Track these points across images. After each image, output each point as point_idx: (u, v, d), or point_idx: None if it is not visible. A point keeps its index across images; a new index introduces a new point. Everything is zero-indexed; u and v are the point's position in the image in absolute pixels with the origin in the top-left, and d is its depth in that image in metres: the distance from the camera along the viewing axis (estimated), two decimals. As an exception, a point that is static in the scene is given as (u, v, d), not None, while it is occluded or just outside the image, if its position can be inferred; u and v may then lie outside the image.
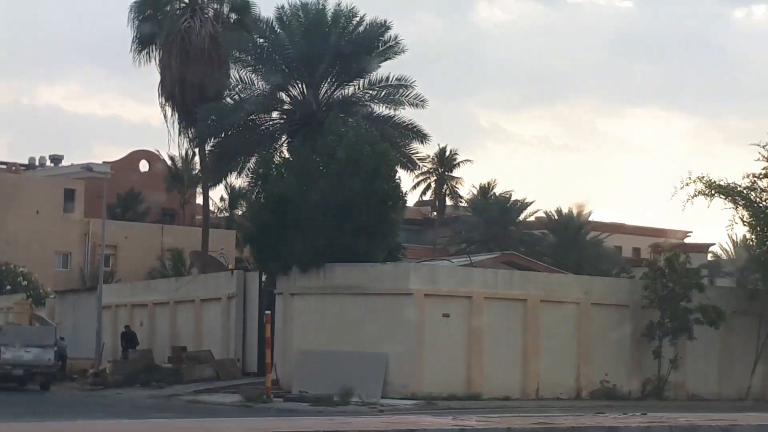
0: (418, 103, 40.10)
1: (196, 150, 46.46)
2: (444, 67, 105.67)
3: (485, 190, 73.27)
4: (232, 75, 42.29)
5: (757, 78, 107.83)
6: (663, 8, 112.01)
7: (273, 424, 13.86)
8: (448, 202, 73.92)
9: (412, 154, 41.44)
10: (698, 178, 38.46)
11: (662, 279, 35.89)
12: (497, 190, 72.64)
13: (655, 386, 35.43)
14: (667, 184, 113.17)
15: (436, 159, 72.33)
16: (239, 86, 41.14)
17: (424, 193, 74.54)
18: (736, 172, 41.92)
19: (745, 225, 38.89)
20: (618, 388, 34.90)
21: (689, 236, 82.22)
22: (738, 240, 76.72)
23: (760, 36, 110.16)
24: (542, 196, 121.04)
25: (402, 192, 35.12)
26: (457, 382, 32.57)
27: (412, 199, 72.54)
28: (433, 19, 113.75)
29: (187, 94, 43.63)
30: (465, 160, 74.14)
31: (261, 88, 40.81)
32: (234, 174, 42.30)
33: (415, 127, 40.86)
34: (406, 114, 40.72)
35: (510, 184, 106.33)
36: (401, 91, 40.13)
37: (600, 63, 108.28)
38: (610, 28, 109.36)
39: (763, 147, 38.57)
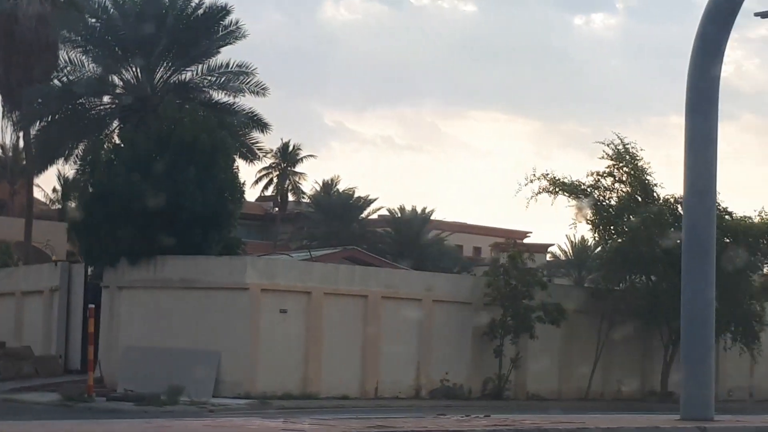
0: (259, 90, 38.69)
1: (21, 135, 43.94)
2: (290, 65, 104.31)
3: (328, 187, 72.37)
4: (61, 56, 40.00)
5: (595, 84, 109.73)
6: (505, 13, 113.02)
7: (79, 428, 12.21)
8: (291, 197, 72.67)
9: (253, 143, 39.96)
10: (543, 175, 38.15)
11: (505, 276, 35.25)
12: (340, 187, 71.87)
13: (495, 385, 34.77)
14: (508, 186, 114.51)
15: (279, 154, 71.00)
16: (68, 68, 38.96)
17: (266, 188, 73.15)
18: (573, 175, 42.37)
19: (588, 223, 38.62)
20: (458, 388, 34.11)
21: (529, 237, 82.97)
22: (576, 240, 77.97)
23: (598, 43, 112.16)
24: (386, 194, 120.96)
25: (240, 182, 33.60)
26: (293, 381, 31.23)
27: (253, 194, 71.14)
28: (280, 17, 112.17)
29: (12, 76, 41.05)
30: (308, 156, 73.03)
31: (92, 70, 38.77)
32: (61, 161, 40.09)
33: (256, 115, 39.41)
34: (247, 102, 39.28)
35: (354, 182, 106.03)
36: (242, 78, 38.65)
37: (443, 65, 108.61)
38: (453, 31, 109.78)
39: (608, 145, 38.45)
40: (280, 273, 32.07)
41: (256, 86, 38.68)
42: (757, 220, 38.48)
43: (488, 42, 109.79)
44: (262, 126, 39.60)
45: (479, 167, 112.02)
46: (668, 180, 39.74)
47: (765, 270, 47.30)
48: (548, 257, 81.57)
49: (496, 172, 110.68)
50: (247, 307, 30.89)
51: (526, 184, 37.70)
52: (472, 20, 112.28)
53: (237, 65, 38.75)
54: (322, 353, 31.92)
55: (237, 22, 38.61)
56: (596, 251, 54.57)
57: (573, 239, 79.16)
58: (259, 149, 40.48)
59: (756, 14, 18.42)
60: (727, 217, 37.65)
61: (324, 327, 32.05)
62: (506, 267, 35.59)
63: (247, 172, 63.66)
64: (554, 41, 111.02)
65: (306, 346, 31.74)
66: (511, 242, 42.50)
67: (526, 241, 78.96)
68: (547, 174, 38.04)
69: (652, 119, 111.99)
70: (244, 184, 33.84)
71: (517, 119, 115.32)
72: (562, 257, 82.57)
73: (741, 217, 38.35)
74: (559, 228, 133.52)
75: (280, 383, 30.74)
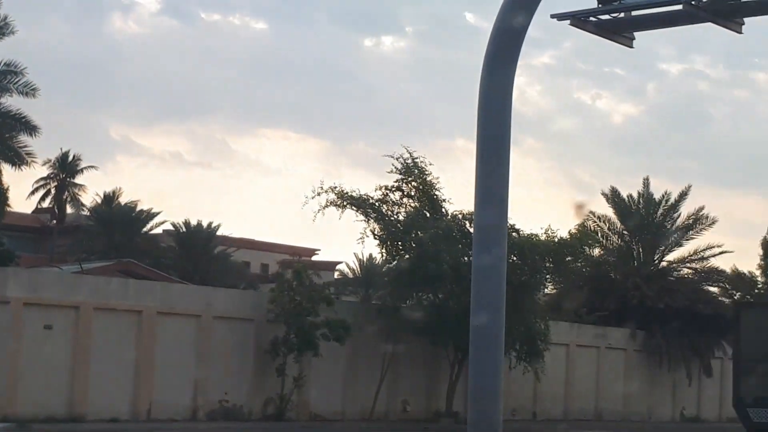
0: (29, 91, 36.07)
1: None
2: (75, 77, 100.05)
3: (110, 199, 69.36)
4: None
5: (384, 106, 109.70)
6: (296, 32, 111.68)
7: None
8: (70, 210, 69.29)
9: (20, 147, 37.22)
10: (330, 188, 36.95)
11: (289, 292, 33.81)
12: (123, 200, 69.06)
13: (277, 406, 33.22)
14: (298, 204, 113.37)
15: (57, 164, 67.68)
16: None
17: (43, 199, 69.58)
18: (361, 190, 41.17)
19: (375, 239, 37.57)
20: (238, 409, 32.45)
21: (317, 254, 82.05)
22: (365, 258, 77.42)
23: (387, 65, 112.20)
24: (176, 211, 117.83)
25: (3, 186, 31.04)
26: (58, 403, 28.90)
27: (30, 206, 67.50)
28: (65, 28, 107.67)
29: None
30: (89, 167, 69.79)
31: None
32: None
33: (24, 117, 36.69)
34: (15, 103, 36.56)
35: (142, 197, 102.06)
36: (9, 77, 35.93)
37: (234, 82, 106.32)
38: (244, 48, 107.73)
39: (397, 159, 37.60)
40: (45, 286, 29.70)
41: (25, 86, 36.07)
42: (543, 237, 38.25)
43: (279, 60, 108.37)
44: (31, 129, 36.94)
45: (269, 185, 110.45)
46: (456, 198, 39.00)
47: (549, 288, 47.62)
48: (336, 275, 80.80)
49: (287, 190, 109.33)
50: (8, 322, 28.43)
51: (313, 197, 36.51)
52: (262, 38, 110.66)
53: (5, 63, 36.07)
54: (90, 373, 29.68)
55: (5, 18, 35.95)
56: (385, 269, 53.85)
57: (361, 257, 78.70)
58: (27, 154, 37.76)
59: (552, 16, 17.62)
60: (514, 234, 37.30)
61: (93, 344, 29.85)
62: (291, 283, 34.17)
63: (12, 173, 60.25)
64: (345, 62, 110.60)
65: (72, 364, 29.45)
66: (297, 258, 41.13)
67: (314, 258, 77.98)
68: (335, 187, 36.92)
69: (440, 142, 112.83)
70: (8, 189, 31.36)
71: (307, 138, 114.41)
72: (351, 275, 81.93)
73: (528, 234, 38.06)
74: (348, 246, 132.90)
75: (43, 405, 28.39)
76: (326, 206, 36.65)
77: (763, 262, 51.91)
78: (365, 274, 77.90)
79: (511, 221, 37.21)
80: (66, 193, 68.22)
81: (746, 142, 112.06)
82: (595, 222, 49.33)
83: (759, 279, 52.23)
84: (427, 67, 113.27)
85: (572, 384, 43.90)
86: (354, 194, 37.02)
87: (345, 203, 36.78)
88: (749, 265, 53.47)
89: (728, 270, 51.20)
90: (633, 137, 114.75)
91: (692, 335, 46.67)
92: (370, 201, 37.23)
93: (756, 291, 51.37)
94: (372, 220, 37.36)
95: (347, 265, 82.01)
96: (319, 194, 36.59)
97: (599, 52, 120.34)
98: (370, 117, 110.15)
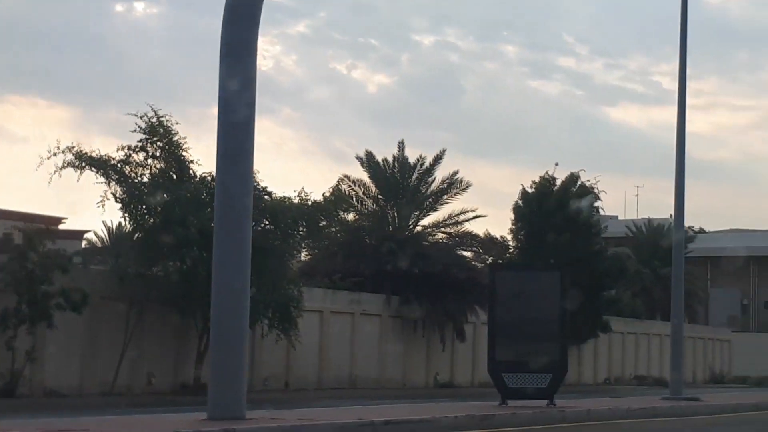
0: None
1: None
2: None
3: None
4: None
5: (136, 73, 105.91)
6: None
7: None
8: None
9: None
10: (68, 148, 34.45)
11: (22, 260, 31.17)
12: None
13: (7, 382, 30.57)
14: (43, 172, 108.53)
15: None
16: None
17: None
18: (103, 150, 38.27)
19: (117, 202, 35.28)
20: (-38, 387, 29.64)
21: (64, 223, 78.38)
22: (114, 226, 74.41)
23: (139, 31, 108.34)
24: None
25: None
26: None
27: None
28: None
29: None
30: None
31: None
32: None
33: None
34: None
35: None
36: None
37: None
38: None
39: (141, 118, 35.40)
40: None
41: None
42: (296, 201, 36.91)
43: (25, 24, 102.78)
44: None
45: (16, 153, 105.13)
46: (206, 161, 36.85)
47: (303, 254, 46.45)
48: (84, 244, 77.51)
49: (35, 159, 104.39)
50: None
51: (48, 158, 33.96)
52: (6, 1, 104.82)
53: None
54: None
55: None
56: (134, 236, 51.44)
57: (111, 225, 75.81)
58: None
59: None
60: (266, 197, 35.89)
61: None
62: (22, 249, 31.52)
63: None
64: (95, 27, 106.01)
65: None
66: (30, 225, 38.19)
67: (61, 227, 74.32)
68: (73, 147, 34.41)
69: (194, 110, 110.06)
70: None
71: (56, 105, 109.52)
72: (99, 244, 78.84)
73: (281, 197, 36.64)
74: (99, 215, 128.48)
75: None
76: (63, 167, 34.18)
77: (514, 227, 52.34)
78: (114, 242, 74.93)
79: (263, 184, 35.80)
80: None
81: (496, 114, 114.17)
82: (350, 186, 48.43)
83: (511, 243, 52.68)
84: (181, 33, 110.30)
85: (326, 351, 42.85)
86: (93, 155, 34.65)
87: (83, 164, 34.37)
88: (502, 231, 53.93)
89: (481, 235, 51.39)
90: (388, 107, 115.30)
91: (446, 300, 46.43)
92: (112, 162, 34.95)
93: (507, 255, 51.76)
94: (114, 183, 35.10)
95: (95, 234, 78.96)
96: (55, 155, 34.12)
97: (354, 22, 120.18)
98: (122, 84, 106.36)
